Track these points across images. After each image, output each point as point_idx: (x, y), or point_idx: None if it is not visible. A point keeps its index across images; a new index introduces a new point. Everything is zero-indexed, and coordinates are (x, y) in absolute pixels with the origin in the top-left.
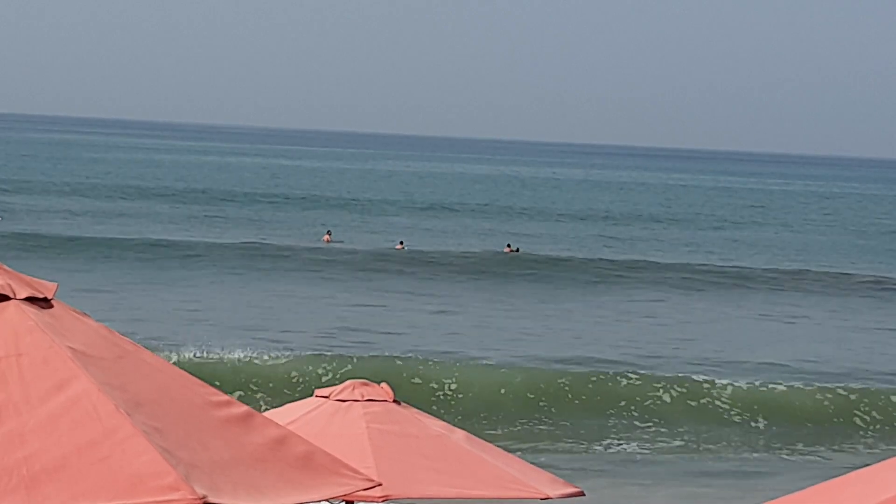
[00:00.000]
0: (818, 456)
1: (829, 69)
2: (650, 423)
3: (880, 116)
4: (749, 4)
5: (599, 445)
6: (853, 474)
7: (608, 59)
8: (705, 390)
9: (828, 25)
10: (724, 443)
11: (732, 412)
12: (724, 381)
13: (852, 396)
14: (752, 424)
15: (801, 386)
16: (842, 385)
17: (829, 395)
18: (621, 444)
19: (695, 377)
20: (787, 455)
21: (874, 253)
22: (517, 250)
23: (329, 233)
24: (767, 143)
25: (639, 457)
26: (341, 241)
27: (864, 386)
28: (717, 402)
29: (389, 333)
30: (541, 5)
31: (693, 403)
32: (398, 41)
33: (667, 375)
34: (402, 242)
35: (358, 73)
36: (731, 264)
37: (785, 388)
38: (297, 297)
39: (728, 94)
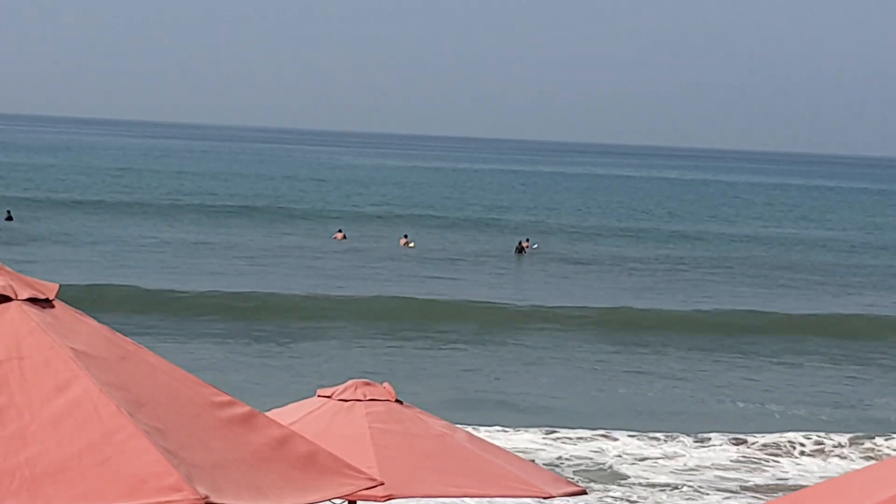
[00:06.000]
0: None
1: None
2: None
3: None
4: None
5: None
6: (852, 474)
7: (610, 58)
8: None
9: (827, 25)
10: None
11: None
12: None
13: None
14: None
15: None
16: None
17: None
18: None
19: None
20: None
21: None
22: (522, 251)
23: (340, 230)
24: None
25: None
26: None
27: None
28: None
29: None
30: (542, 6)
31: None
32: (396, 41)
33: None
34: (405, 236)
35: (357, 73)
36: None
37: None
38: None
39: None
